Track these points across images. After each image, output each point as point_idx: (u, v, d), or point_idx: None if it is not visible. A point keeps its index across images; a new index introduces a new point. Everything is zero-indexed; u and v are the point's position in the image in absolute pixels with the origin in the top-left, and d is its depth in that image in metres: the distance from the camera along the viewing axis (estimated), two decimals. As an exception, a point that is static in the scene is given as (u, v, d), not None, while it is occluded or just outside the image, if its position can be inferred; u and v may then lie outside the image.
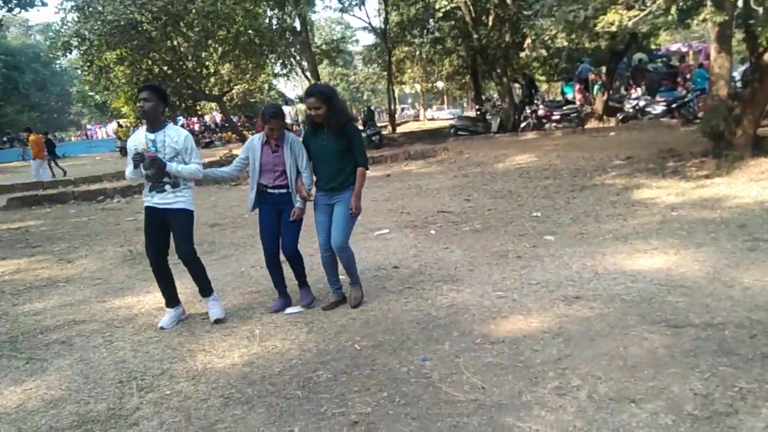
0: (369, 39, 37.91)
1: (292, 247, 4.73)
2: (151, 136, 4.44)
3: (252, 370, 3.68)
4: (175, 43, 18.12)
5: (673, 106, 15.73)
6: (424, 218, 7.96)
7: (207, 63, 20.14)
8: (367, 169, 4.65)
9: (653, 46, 23.24)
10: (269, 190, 4.68)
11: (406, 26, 23.31)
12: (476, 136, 18.48)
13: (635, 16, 6.85)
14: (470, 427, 2.84)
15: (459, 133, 19.13)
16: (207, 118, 34.94)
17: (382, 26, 23.86)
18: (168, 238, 4.62)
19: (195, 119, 31.34)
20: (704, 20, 6.75)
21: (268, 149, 4.66)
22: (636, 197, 7.85)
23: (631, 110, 16.68)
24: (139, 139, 4.48)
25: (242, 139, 20.20)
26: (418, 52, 27.18)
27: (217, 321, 4.59)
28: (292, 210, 4.65)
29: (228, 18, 16.91)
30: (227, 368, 3.75)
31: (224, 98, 22.71)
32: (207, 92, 21.16)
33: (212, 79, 21.68)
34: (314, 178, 4.71)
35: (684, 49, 25.74)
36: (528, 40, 16.62)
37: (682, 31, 20.13)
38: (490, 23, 18.99)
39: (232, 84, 23.33)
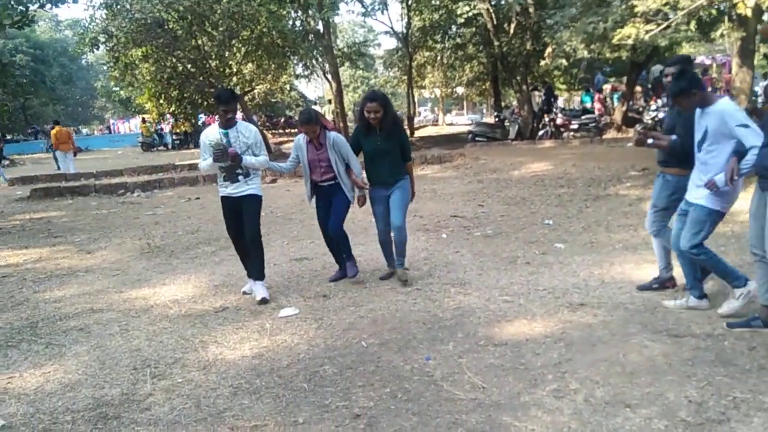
0: (391, 43, 38.11)
1: (337, 226, 5.23)
2: (225, 131, 4.91)
3: (261, 363, 3.81)
4: (200, 42, 18.39)
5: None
6: (437, 222, 8.06)
7: (230, 62, 20.39)
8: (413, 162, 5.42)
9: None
10: (320, 184, 5.24)
11: (428, 31, 23.39)
12: (494, 142, 18.51)
13: (652, 30, 6.90)
14: (468, 424, 2.94)
15: (477, 139, 19.17)
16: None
17: (404, 31, 24.00)
18: (242, 221, 5.10)
19: (216, 117, 31.66)
20: (722, 35, 6.78)
21: (313, 147, 5.17)
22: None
23: (650, 121, 16.61)
24: (214, 134, 4.97)
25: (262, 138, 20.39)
26: (438, 58, 27.26)
27: (263, 300, 5.00)
28: (356, 199, 5.28)
29: (252, 19, 17.13)
30: (237, 360, 3.89)
31: (245, 97, 22.95)
32: (228, 91, 21.39)
33: (234, 79, 21.92)
34: (364, 173, 5.27)
35: (707, 62, 25.57)
36: (549, 49, 16.65)
37: (705, 44, 20.03)
38: (512, 31, 19.02)
39: (253, 84, 23.57)
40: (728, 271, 4.05)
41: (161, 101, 20.28)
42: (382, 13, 28.37)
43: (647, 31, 6.95)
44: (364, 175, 5.30)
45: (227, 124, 4.94)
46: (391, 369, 3.59)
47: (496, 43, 18.93)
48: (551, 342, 3.81)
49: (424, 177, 13.40)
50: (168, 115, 23.66)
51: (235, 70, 21.08)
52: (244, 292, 5.27)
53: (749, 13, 6.62)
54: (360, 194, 5.29)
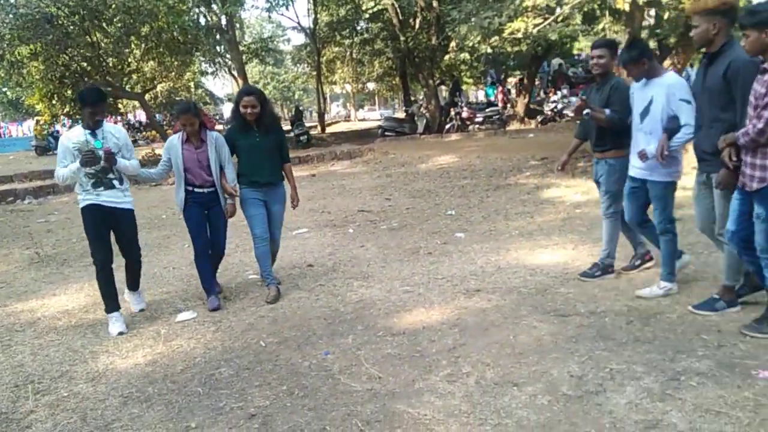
0: (300, 38, 37.74)
1: (224, 245, 4.93)
2: (91, 133, 4.35)
3: (154, 370, 3.69)
4: (94, 38, 17.49)
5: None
6: (344, 217, 8.08)
7: (128, 60, 19.53)
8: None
9: (574, 52, 24.28)
10: (197, 190, 4.72)
11: (335, 27, 23.39)
12: (403, 137, 18.79)
13: (540, 24, 7.20)
14: (363, 414, 2.96)
15: (386, 133, 19.40)
16: (130, 116, 33.84)
17: (312, 26, 23.84)
18: (110, 238, 4.50)
19: (117, 117, 30.28)
20: (603, 29, 7.18)
21: (190, 146, 4.70)
22: (545, 196, 8.25)
23: (549, 113, 17.39)
24: (78, 137, 4.34)
25: (166, 138, 19.69)
26: (347, 53, 27.32)
27: (141, 310, 4.78)
28: (225, 209, 4.80)
29: (150, 14, 16.46)
30: (129, 368, 3.74)
31: (147, 96, 22.06)
32: (129, 90, 20.52)
33: (134, 77, 21.03)
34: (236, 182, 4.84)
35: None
36: (452, 44, 17.06)
37: (604, 37, 21.15)
38: (417, 26, 19.34)
39: (155, 82, 22.69)
40: (672, 263, 4.20)
41: (54, 102, 19.10)
42: (287, 8, 27.96)
43: (535, 25, 7.26)
44: (237, 183, 4.86)
45: (94, 125, 4.35)
46: (289, 366, 3.57)
47: (403, 38, 19.20)
48: (447, 328, 3.91)
49: (333, 173, 13.42)
50: (63, 117, 22.35)
51: (134, 67, 20.23)
52: (120, 333, 4.38)
53: (627, 8, 7.06)
54: (230, 202, 4.80)
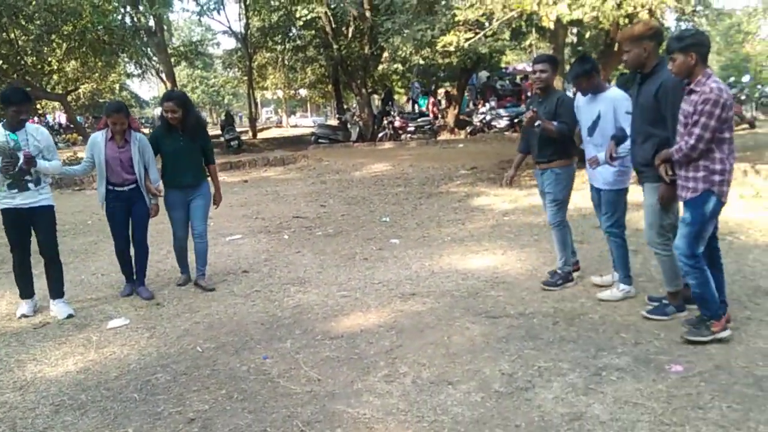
0: (230, 43, 37.17)
1: (143, 238, 5.04)
2: (12, 134, 4.35)
3: (87, 377, 3.60)
4: (12, 36, 16.66)
5: (516, 120, 17.11)
6: (279, 223, 8.06)
7: (49, 59, 18.70)
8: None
9: (502, 65, 25.09)
10: (117, 188, 4.84)
11: (267, 32, 23.20)
12: (336, 144, 18.84)
13: (471, 39, 7.48)
14: (303, 416, 3.02)
15: (320, 141, 19.39)
16: (50, 118, 32.30)
17: (243, 31, 23.56)
18: (30, 238, 4.58)
19: (36, 119, 28.83)
20: (530, 45, 7.53)
21: (113, 145, 4.79)
22: (475, 204, 8.53)
23: (478, 124, 17.91)
24: None
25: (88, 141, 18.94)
26: (279, 59, 27.13)
27: (70, 316, 4.63)
28: (150, 208, 4.97)
29: (74, 13, 15.85)
30: (60, 376, 3.64)
31: (69, 97, 21.18)
32: (49, 90, 19.65)
33: (55, 77, 20.19)
34: (160, 181, 5.00)
35: (528, 69, 28.03)
36: (385, 54, 17.31)
37: (528, 53, 21.94)
38: (350, 35, 19.49)
39: (78, 83, 21.84)
40: (626, 266, 4.39)
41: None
42: (218, 12, 27.45)
43: (467, 39, 7.54)
44: (161, 183, 5.07)
45: (17, 126, 4.37)
46: (228, 371, 3.57)
47: (336, 46, 19.28)
48: (384, 331, 4.02)
49: (266, 179, 13.31)
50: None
51: (55, 67, 19.40)
52: (24, 315, 4.69)
53: (551, 26, 7.46)
54: (154, 203, 5.01)
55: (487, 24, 8.07)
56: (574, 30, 13.03)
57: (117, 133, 4.75)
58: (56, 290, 4.74)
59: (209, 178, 5.28)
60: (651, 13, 6.76)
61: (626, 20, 7.07)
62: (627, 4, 6.81)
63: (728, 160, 3.47)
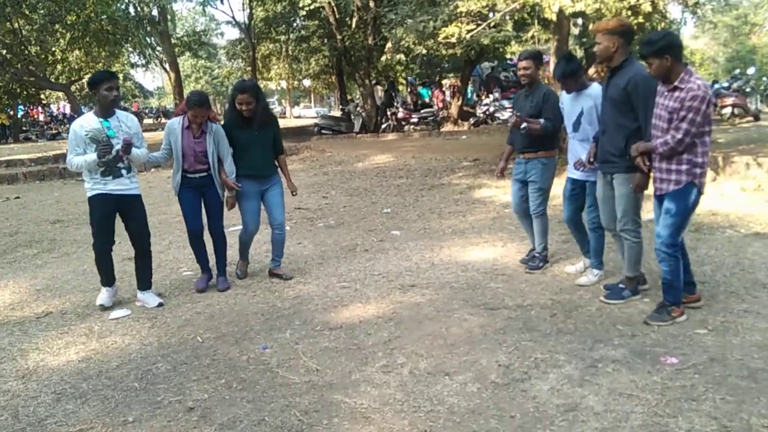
0: (234, 33, 37.09)
1: (218, 225, 5.02)
2: (105, 121, 4.37)
3: (88, 366, 3.65)
4: (16, 25, 16.68)
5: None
6: (281, 215, 8.08)
7: (53, 49, 18.71)
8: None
9: (507, 56, 24.98)
10: (189, 175, 4.81)
11: (271, 22, 23.17)
12: (339, 135, 18.86)
13: (473, 30, 7.47)
14: (301, 405, 3.06)
15: (323, 132, 19.42)
16: (53, 108, 32.33)
17: (247, 21, 23.53)
18: (115, 226, 4.57)
19: (39, 109, 28.89)
20: (533, 36, 7.52)
21: (190, 134, 4.77)
22: (477, 196, 8.54)
23: (482, 115, 17.87)
24: (90, 125, 4.37)
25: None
26: (283, 49, 27.11)
27: (160, 305, 4.65)
28: (226, 199, 4.94)
29: (77, 2, 15.84)
30: (62, 365, 3.68)
31: (73, 87, 21.18)
32: (53, 80, 19.68)
33: (59, 67, 20.20)
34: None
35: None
36: (388, 44, 17.26)
37: (532, 45, 21.84)
38: (354, 25, 19.45)
39: (81, 73, 21.80)
40: (601, 254, 4.59)
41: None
42: (222, 2, 27.41)
43: (469, 31, 7.53)
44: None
45: (109, 109, 4.38)
46: (227, 361, 3.61)
47: (339, 36, 19.24)
48: (382, 322, 4.05)
49: (269, 170, 13.33)
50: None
51: (59, 57, 19.41)
52: (102, 306, 4.63)
53: (554, 17, 7.45)
54: (230, 195, 4.92)
55: (490, 15, 8.07)
56: (579, 21, 12.98)
57: (195, 123, 4.71)
58: (145, 281, 4.75)
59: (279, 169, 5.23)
60: (654, 4, 6.74)
61: (629, 12, 7.05)
62: (630, -5, 6.79)
63: (707, 153, 3.60)
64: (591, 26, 8.64)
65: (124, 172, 4.46)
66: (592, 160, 4.23)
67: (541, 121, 4.62)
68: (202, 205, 4.94)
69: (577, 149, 4.46)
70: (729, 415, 2.73)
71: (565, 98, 4.55)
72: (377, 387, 3.19)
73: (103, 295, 4.69)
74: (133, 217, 4.59)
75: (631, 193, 3.94)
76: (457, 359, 3.45)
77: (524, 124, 4.58)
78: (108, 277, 4.71)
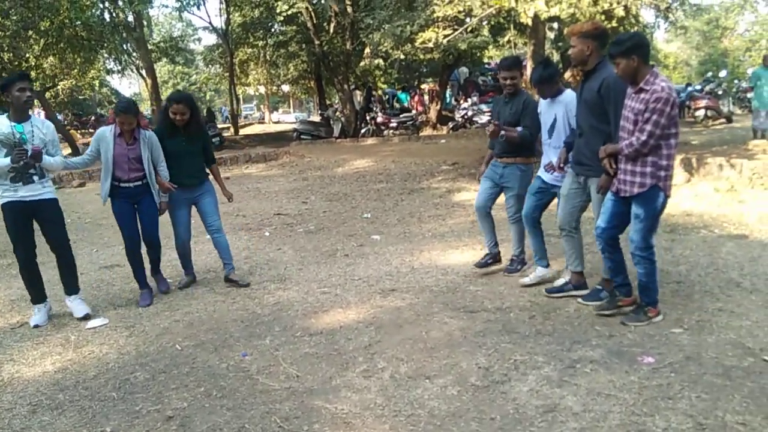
0: (211, 39, 36.89)
1: (155, 233, 4.92)
2: (18, 125, 4.24)
3: (65, 377, 3.59)
4: (-12, 31, 16.41)
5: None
6: (260, 221, 8.06)
7: (27, 55, 18.43)
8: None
9: (485, 61, 25.17)
10: (123, 184, 4.74)
11: (249, 28, 23.09)
12: (319, 140, 18.83)
13: (450, 35, 7.52)
14: (282, 412, 3.04)
15: (302, 137, 19.38)
16: (28, 115, 31.78)
17: (224, 27, 23.41)
18: (33, 234, 4.42)
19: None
20: (509, 41, 7.59)
21: (122, 142, 4.71)
22: (456, 199, 8.59)
23: (460, 119, 17.97)
24: (3, 129, 4.20)
25: (67, 139, 18.76)
26: (261, 55, 27.01)
27: (86, 317, 4.51)
28: (159, 204, 4.87)
29: (51, 8, 15.63)
30: (37, 376, 3.62)
31: (47, 94, 20.92)
32: (26, 87, 19.34)
33: (33, 73, 19.83)
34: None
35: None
36: (367, 50, 17.30)
37: (511, 49, 22.04)
38: (332, 30, 19.45)
39: (56, 79, 21.54)
40: (544, 249, 4.69)
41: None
42: (199, 8, 27.22)
43: (445, 36, 7.58)
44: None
45: (21, 116, 4.26)
46: (207, 369, 3.58)
47: (317, 41, 19.23)
48: (363, 327, 4.05)
49: (248, 176, 13.28)
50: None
51: (33, 63, 19.09)
52: (37, 326, 4.45)
53: (530, 22, 7.53)
54: (164, 199, 4.91)
55: (466, 20, 8.13)
56: (554, 25, 13.13)
57: (125, 131, 4.67)
58: (71, 285, 4.62)
59: (211, 177, 5.26)
60: (627, 9, 6.85)
61: (603, 16, 7.15)
62: (603, 0, 6.89)
63: (672, 156, 3.64)
64: (566, 30, 8.78)
65: (36, 178, 4.33)
66: (562, 165, 4.27)
67: (519, 129, 4.61)
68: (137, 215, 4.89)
69: (552, 155, 4.48)
70: (704, 412, 2.77)
71: (542, 104, 4.56)
72: (358, 392, 3.19)
73: (36, 315, 4.52)
74: (48, 223, 4.44)
75: (600, 195, 3.96)
76: (438, 363, 3.46)
77: (502, 133, 4.58)
78: (37, 294, 4.55)
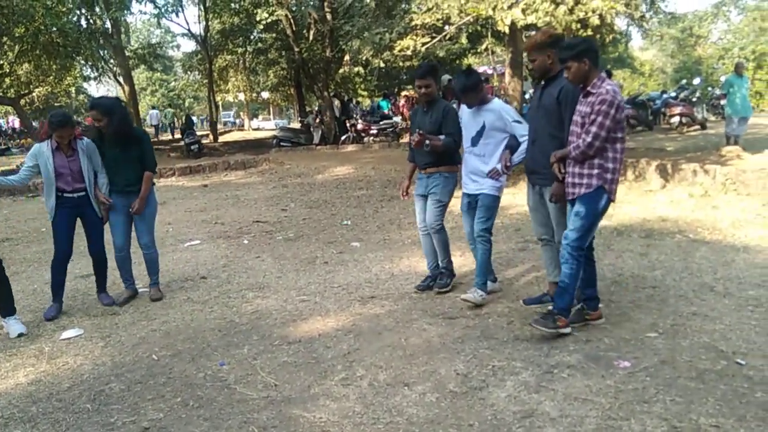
0: (190, 45, 36.63)
1: (100, 247, 4.95)
2: None
3: (38, 389, 3.53)
4: (-39, 38, 16.16)
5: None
6: (239, 228, 8.01)
7: (1, 62, 18.17)
8: (155, 173, 5.12)
9: (464, 68, 25.38)
10: (67, 195, 4.74)
11: (228, 35, 22.96)
12: (299, 147, 18.77)
13: (428, 43, 7.57)
14: (260, 421, 3.02)
15: (282, 144, 19.30)
16: (2, 122, 31.35)
17: (203, 33, 23.26)
18: None
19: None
20: (486, 48, 7.66)
21: (61, 154, 4.69)
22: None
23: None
24: None
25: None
26: (240, 62, 26.89)
27: (21, 335, 4.40)
28: (101, 216, 4.88)
29: (26, 15, 15.44)
30: (10, 389, 3.56)
31: (22, 101, 20.61)
32: (1, 94, 19.08)
33: (7, 80, 19.59)
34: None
35: (489, 72, 28.40)
36: (347, 57, 17.34)
37: (489, 56, 22.25)
38: (311, 37, 19.43)
39: (31, 86, 21.25)
40: (485, 273, 4.49)
41: None
42: (177, 15, 26.97)
43: (424, 44, 7.63)
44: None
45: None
46: (184, 378, 3.55)
47: (297, 49, 19.21)
48: (342, 334, 4.04)
49: (227, 183, 13.20)
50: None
51: (7, 70, 18.84)
52: (21, 334, 4.40)
53: (507, 30, 7.61)
54: (104, 209, 4.91)
55: (445, 28, 8.19)
56: (531, 33, 13.28)
57: (63, 144, 4.64)
58: (5, 307, 4.50)
59: (153, 186, 5.11)
60: (602, 18, 6.95)
61: (578, 25, 7.26)
62: (579, 9, 6.99)
63: (619, 160, 3.68)
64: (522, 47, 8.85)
65: None
66: (509, 165, 4.22)
67: (442, 137, 4.56)
68: (77, 228, 4.89)
69: (474, 164, 4.43)
70: (679, 415, 2.81)
71: (464, 112, 4.51)
72: (336, 400, 3.18)
73: (15, 326, 4.46)
74: None
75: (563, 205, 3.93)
76: (416, 369, 3.47)
77: (427, 142, 4.50)
78: (10, 303, 4.52)
